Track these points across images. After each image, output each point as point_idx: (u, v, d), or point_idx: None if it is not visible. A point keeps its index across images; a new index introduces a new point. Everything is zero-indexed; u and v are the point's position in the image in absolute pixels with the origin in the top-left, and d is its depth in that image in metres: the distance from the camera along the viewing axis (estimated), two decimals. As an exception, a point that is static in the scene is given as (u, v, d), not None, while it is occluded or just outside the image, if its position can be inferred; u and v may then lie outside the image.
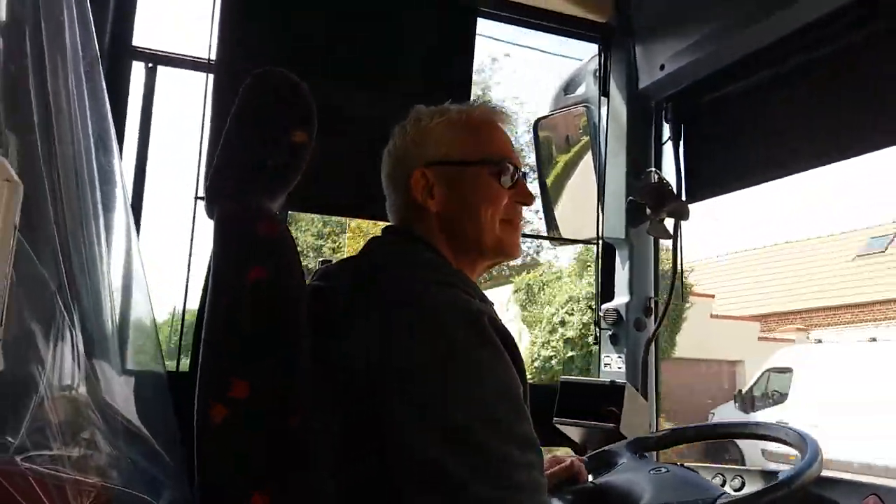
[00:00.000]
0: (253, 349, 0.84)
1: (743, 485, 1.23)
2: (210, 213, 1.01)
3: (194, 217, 1.69)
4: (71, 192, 0.86)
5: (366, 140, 1.40)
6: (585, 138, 2.18)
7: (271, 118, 0.95)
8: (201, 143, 1.63)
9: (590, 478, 1.39)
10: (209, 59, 1.66)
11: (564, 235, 2.14)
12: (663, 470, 1.25)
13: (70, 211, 0.85)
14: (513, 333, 0.89)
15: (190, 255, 1.74)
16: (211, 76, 1.66)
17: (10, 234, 0.71)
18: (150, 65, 1.71)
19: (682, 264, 1.95)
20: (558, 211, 2.18)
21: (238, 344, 0.84)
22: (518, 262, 12.77)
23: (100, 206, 0.91)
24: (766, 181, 1.87)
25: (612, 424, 1.64)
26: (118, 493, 0.81)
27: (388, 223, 1.15)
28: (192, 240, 1.75)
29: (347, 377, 0.86)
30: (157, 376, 0.93)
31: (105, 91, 1.01)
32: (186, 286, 1.71)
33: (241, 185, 0.94)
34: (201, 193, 1.67)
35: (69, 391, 0.80)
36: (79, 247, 0.84)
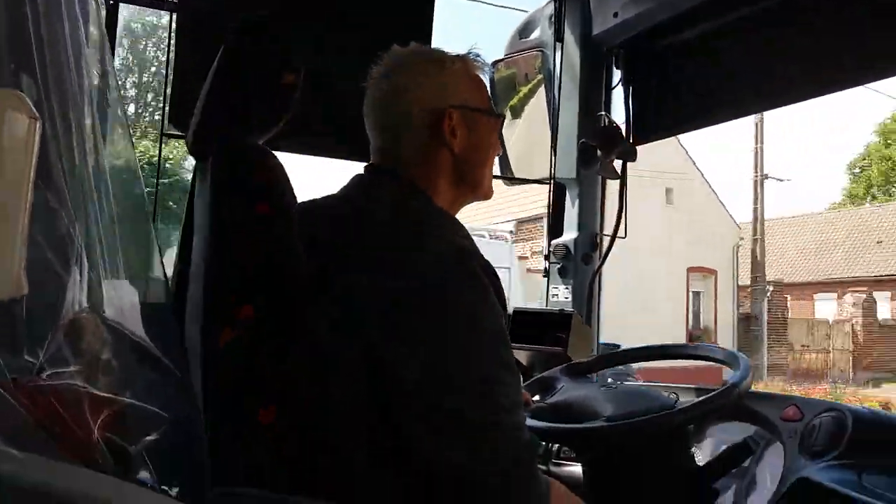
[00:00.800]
0: (259, 277, 0.92)
1: (678, 398, 1.38)
2: (199, 152, 1.07)
3: (160, 153, 1.73)
4: (76, 126, 0.90)
5: (332, 81, 1.46)
6: (539, 80, 2.26)
7: (261, 64, 1.01)
8: (167, 81, 1.65)
9: (536, 398, 1.53)
10: None
11: (517, 175, 2.25)
12: (613, 386, 1.40)
13: (77, 144, 0.89)
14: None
15: (156, 189, 1.78)
16: (175, 15, 1.67)
17: (30, 169, 0.77)
18: (111, 1, 1.70)
19: (626, 203, 2.08)
20: (511, 151, 2.27)
21: (245, 272, 0.92)
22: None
23: (100, 139, 0.96)
24: (710, 125, 2.02)
25: (560, 349, 1.80)
26: (130, 406, 0.88)
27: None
28: (158, 175, 1.79)
29: (348, 320, 0.93)
30: (162, 301, 1.00)
31: (104, 29, 1.04)
32: (155, 218, 1.75)
33: (238, 126, 0.99)
34: (167, 130, 1.71)
35: (84, 313, 0.86)
36: (84, 176, 0.89)
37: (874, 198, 28.89)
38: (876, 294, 19.83)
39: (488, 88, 1.21)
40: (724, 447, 1.43)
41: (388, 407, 0.91)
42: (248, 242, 0.94)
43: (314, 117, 1.46)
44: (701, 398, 1.24)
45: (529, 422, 1.30)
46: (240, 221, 0.94)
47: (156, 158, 1.84)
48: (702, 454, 1.53)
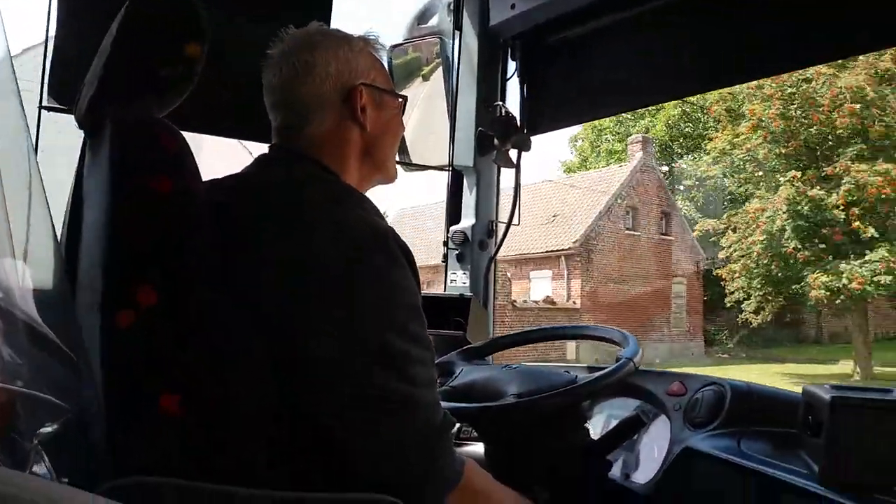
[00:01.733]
0: (160, 256, 0.87)
1: (576, 377, 1.44)
2: (91, 125, 1.00)
3: (38, 127, 1.59)
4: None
5: (230, 60, 1.41)
6: (438, 67, 2.28)
7: (164, 30, 0.95)
8: (45, 51, 1.53)
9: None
10: None
11: (415, 161, 2.26)
12: (514, 367, 1.44)
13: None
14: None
15: (37, 166, 1.65)
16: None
17: None
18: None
19: (520, 191, 2.15)
20: (410, 137, 2.27)
21: (144, 251, 0.87)
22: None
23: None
24: (601, 117, 2.13)
25: (459, 333, 1.83)
26: (22, 394, 0.82)
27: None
28: (35, 151, 1.65)
29: (258, 296, 0.91)
30: (60, 282, 0.93)
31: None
32: (30, 200, 1.62)
33: (135, 96, 0.94)
34: (46, 103, 1.58)
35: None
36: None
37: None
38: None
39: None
40: (615, 422, 1.51)
41: (299, 382, 0.90)
42: (149, 220, 0.89)
43: (213, 94, 1.40)
44: (601, 372, 1.30)
45: None
46: (140, 198, 0.89)
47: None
48: (594, 429, 1.61)
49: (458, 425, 1.68)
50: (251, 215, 0.98)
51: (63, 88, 1.51)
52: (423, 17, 2.32)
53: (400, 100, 1.18)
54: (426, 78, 2.31)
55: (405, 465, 0.92)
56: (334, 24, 1.63)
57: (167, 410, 0.83)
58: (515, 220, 2.14)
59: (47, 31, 1.53)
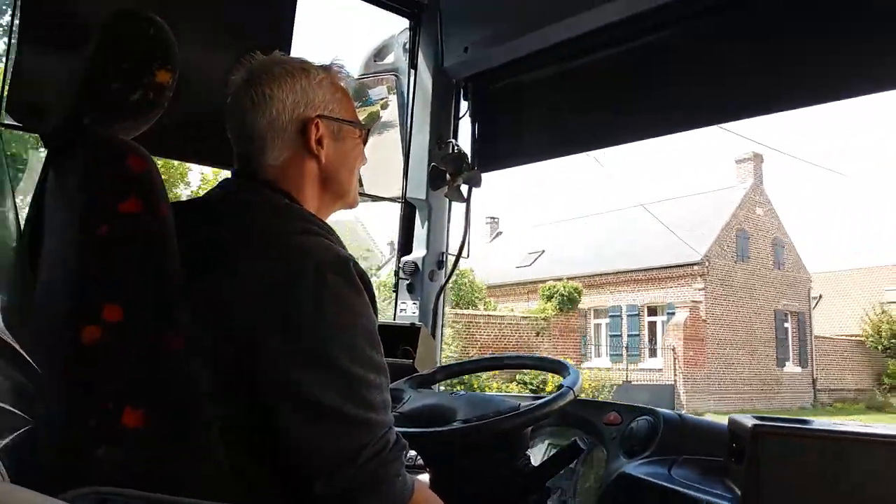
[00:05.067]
0: (127, 276, 0.89)
1: (519, 405, 1.49)
2: (58, 144, 1.02)
3: (2, 146, 1.58)
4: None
5: (196, 86, 1.44)
6: (393, 102, 2.35)
7: (137, 56, 0.99)
8: (6, 67, 1.53)
9: None
10: None
11: (370, 192, 2.31)
12: (461, 393, 1.49)
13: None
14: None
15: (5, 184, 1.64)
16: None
17: None
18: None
19: (470, 225, 2.23)
20: (365, 169, 2.32)
21: (111, 271, 0.89)
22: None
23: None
24: (547, 159, 2.23)
25: (408, 361, 1.87)
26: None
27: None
28: (7, 167, 1.64)
29: (223, 316, 0.94)
30: (24, 296, 0.94)
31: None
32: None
33: (105, 119, 0.96)
34: (6, 120, 1.58)
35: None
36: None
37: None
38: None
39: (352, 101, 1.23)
40: (554, 450, 1.56)
41: (261, 399, 0.93)
42: (117, 240, 0.91)
43: (181, 119, 1.43)
44: (542, 400, 1.36)
45: None
46: (108, 219, 0.91)
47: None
48: (534, 457, 1.67)
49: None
50: (215, 238, 1.01)
51: (22, 107, 1.51)
52: (380, 53, 2.40)
53: (362, 129, 1.20)
54: (381, 111, 2.38)
55: (359, 480, 0.94)
56: (297, 50, 1.70)
57: (129, 423, 0.84)
58: (465, 253, 2.21)
59: (7, 49, 1.53)
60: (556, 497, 1.59)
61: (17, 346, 0.83)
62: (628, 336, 21.51)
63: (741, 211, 21.97)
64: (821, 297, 27.42)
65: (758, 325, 21.72)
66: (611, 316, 22.09)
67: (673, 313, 20.24)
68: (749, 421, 1.13)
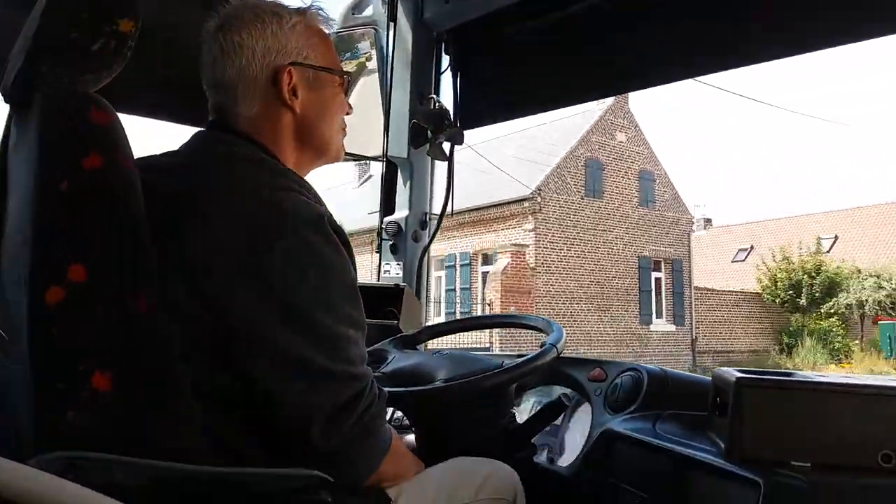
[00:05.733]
0: (90, 234, 0.86)
1: (502, 363, 1.49)
2: (19, 99, 0.97)
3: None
4: None
5: (165, 37, 1.38)
6: (372, 56, 2.29)
7: (96, 4, 0.94)
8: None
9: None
10: None
11: (350, 150, 2.26)
12: (444, 353, 1.48)
13: None
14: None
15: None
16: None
17: None
18: None
19: (453, 184, 2.19)
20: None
21: (74, 229, 0.85)
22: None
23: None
24: (531, 114, 2.18)
25: (393, 322, 1.86)
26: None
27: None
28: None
29: (195, 274, 0.91)
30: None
31: None
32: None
33: (66, 70, 0.92)
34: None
35: None
36: None
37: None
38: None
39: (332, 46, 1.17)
40: (539, 407, 1.56)
41: (235, 355, 0.92)
42: (79, 197, 0.87)
43: (146, 74, 1.37)
44: (526, 357, 1.36)
45: None
46: (70, 175, 0.87)
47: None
48: (521, 415, 1.67)
49: (390, 411, 1.71)
50: (185, 193, 0.97)
51: None
52: (358, 6, 2.32)
53: (342, 76, 1.14)
54: (360, 67, 2.31)
55: (354, 432, 0.95)
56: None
57: (98, 387, 0.82)
58: (449, 212, 2.18)
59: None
60: (543, 454, 1.59)
61: None
62: (461, 290, 18.59)
63: (594, 136, 18.30)
64: (752, 248, 25.93)
65: (615, 274, 18.48)
66: (447, 267, 19.04)
67: (497, 261, 17.09)
68: (733, 375, 1.13)
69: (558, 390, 1.72)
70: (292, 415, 0.93)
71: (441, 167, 2.23)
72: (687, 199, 20.18)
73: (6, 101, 1.03)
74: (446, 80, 2.27)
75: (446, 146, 2.13)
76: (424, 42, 2.24)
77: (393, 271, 2.18)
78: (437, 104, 2.17)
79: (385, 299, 1.89)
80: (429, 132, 2.08)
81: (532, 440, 1.47)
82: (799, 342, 20.25)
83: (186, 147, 1.08)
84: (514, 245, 17.12)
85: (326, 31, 1.15)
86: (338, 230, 0.99)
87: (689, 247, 20.45)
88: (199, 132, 1.10)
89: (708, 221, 32.13)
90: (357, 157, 2.22)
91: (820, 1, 1.62)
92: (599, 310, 18.05)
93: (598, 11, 1.94)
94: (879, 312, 21.15)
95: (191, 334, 0.91)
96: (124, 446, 0.81)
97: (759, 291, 22.38)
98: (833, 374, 1.35)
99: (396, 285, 1.92)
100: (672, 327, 19.51)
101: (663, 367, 1.58)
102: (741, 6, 1.74)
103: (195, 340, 0.91)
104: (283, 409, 0.93)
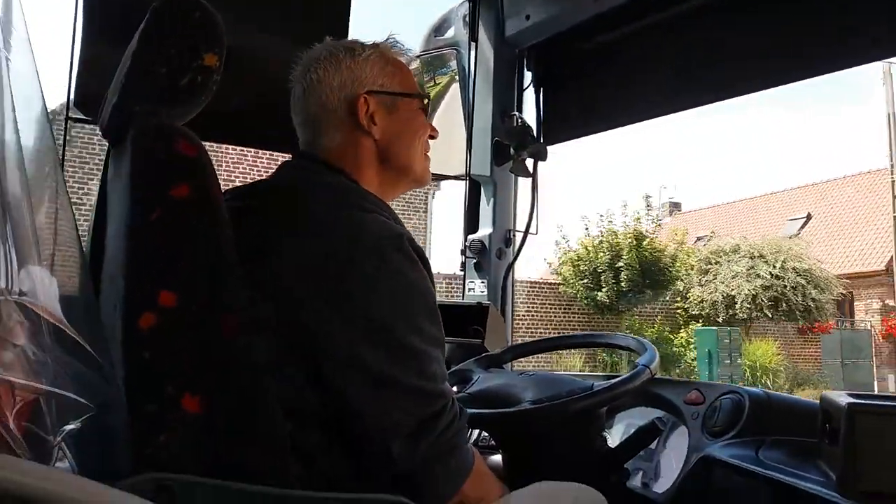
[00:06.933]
0: (179, 261, 0.89)
1: (592, 385, 1.45)
2: (114, 134, 1.02)
3: (65, 138, 1.64)
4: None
5: (251, 74, 1.44)
6: (455, 78, 2.30)
7: (183, 41, 0.98)
8: (71, 62, 1.57)
9: (454, 389, 1.56)
10: None
11: (433, 171, 2.27)
12: (530, 374, 1.44)
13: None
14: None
15: (59, 179, 1.69)
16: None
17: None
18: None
19: (537, 200, 2.16)
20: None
21: (164, 257, 0.89)
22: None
23: (13, 119, 0.90)
24: (615, 127, 2.13)
25: (478, 341, 1.84)
26: (49, 393, 0.84)
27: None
28: (62, 162, 1.69)
29: (282, 297, 0.94)
30: (82, 287, 0.95)
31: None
32: (56, 211, 1.66)
33: (155, 105, 0.96)
34: (73, 114, 1.62)
35: (0, 298, 0.82)
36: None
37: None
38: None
39: (410, 72, 1.21)
40: (633, 430, 1.50)
41: (323, 378, 0.93)
42: (169, 226, 0.91)
43: (231, 104, 1.43)
44: (618, 379, 1.30)
45: None
46: (159, 205, 0.91)
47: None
48: (612, 438, 1.61)
49: (476, 432, 1.69)
50: (271, 218, 1.02)
51: (89, 99, 1.55)
52: (439, 28, 2.35)
53: (422, 99, 1.18)
54: (444, 89, 2.33)
55: (438, 448, 0.95)
56: (354, 34, 1.67)
57: (189, 409, 0.84)
58: (533, 230, 2.15)
59: (73, 42, 1.56)
60: (637, 479, 1.53)
61: (77, 336, 0.84)
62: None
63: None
64: (713, 234, 21.39)
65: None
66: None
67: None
68: (843, 399, 1.04)
69: (652, 412, 1.65)
70: (375, 430, 0.94)
71: (525, 184, 2.20)
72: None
73: (104, 137, 1.09)
74: (527, 98, 2.26)
75: (529, 163, 2.10)
76: (506, 60, 2.23)
77: (478, 289, 2.16)
78: (520, 121, 2.16)
79: (470, 318, 1.88)
80: (511, 149, 2.06)
81: (625, 465, 1.42)
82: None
83: (275, 176, 1.14)
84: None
85: (403, 60, 1.19)
86: (418, 250, 1.00)
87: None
88: (286, 162, 1.16)
89: (676, 206, 27.59)
90: (440, 177, 2.23)
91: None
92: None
93: (676, 23, 1.88)
94: (755, 314, 15.78)
95: (280, 354, 0.93)
96: (216, 469, 0.83)
97: (561, 283, 15.87)
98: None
99: (480, 304, 1.91)
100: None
101: (766, 390, 1.49)
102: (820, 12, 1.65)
103: (284, 360, 0.93)
104: (366, 424, 0.94)
